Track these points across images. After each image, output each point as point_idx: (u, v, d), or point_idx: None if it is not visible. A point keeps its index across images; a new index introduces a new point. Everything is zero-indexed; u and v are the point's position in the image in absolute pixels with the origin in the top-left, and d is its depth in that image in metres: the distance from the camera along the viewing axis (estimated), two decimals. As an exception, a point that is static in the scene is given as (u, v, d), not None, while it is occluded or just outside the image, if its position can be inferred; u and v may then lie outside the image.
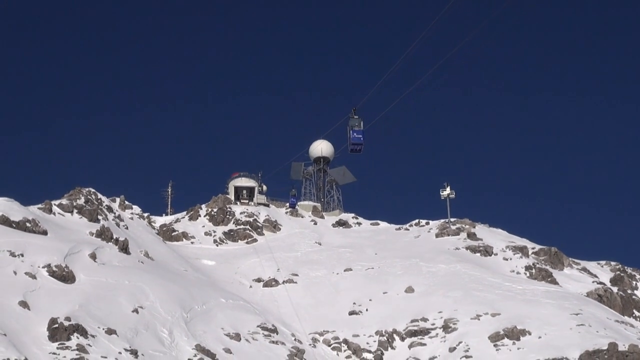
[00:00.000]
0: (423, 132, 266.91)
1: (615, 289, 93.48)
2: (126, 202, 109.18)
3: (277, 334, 73.83)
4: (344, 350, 75.91)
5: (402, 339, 76.52)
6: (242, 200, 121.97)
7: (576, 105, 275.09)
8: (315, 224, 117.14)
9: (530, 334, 72.51)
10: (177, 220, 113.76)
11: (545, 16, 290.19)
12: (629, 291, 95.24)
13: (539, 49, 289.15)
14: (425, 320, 77.92)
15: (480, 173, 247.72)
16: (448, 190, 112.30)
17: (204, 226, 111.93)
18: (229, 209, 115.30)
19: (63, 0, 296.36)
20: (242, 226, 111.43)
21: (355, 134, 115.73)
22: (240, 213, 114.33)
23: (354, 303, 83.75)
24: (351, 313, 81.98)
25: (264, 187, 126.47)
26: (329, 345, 76.39)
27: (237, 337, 70.68)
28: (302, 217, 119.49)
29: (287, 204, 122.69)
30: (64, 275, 71.03)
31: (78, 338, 59.92)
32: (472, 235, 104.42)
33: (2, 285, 65.68)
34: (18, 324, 60.14)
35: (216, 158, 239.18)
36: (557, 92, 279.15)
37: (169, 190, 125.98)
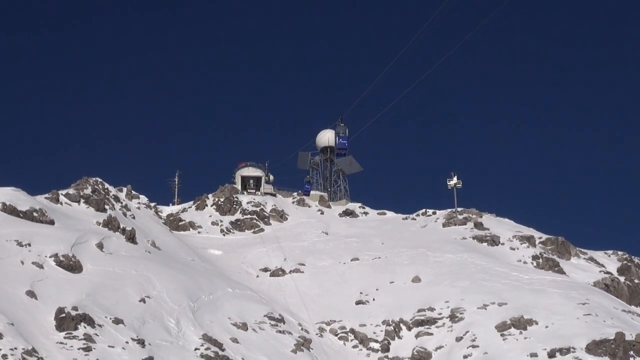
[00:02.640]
0: (430, 121, 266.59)
1: (622, 279, 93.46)
2: (133, 192, 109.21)
3: (284, 323, 73.90)
4: (351, 340, 75.95)
5: (409, 329, 76.56)
6: (249, 190, 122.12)
7: (582, 94, 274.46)
8: (322, 213, 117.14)
9: (537, 323, 72.50)
10: (184, 210, 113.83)
11: (546, 10, 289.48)
12: (636, 281, 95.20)
13: (542, 39, 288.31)
14: (432, 309, 77.94)
15: (487, 162, 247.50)
16: (455, 179, 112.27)
17: (210, 216, 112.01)
18: (235, 199, 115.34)
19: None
20: (249, 216, 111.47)
21: (340, 139, 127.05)
22: (247, 203, 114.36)
23: (361, 293, 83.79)
24: (358, 303, 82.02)
25: (271, 177, 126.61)
26: (336, 335, 76.45)
27: (244, 326, 70.75)
28: (309, 206, 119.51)
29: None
30: (71, 265, 71.14)
31: (85, 327, 60.01)
32: (479, 225, 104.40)
33: (9, 274, 65.80)
34: (25, 314, 60.24)
35: (223, 148, 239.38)
36: (563, 80, 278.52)
37: (176, 180, 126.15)
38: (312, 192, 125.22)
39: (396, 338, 75.82)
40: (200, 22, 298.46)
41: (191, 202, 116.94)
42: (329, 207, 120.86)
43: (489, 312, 75.53)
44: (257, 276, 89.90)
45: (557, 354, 67.16)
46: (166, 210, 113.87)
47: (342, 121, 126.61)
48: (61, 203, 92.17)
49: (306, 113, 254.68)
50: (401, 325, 77.05)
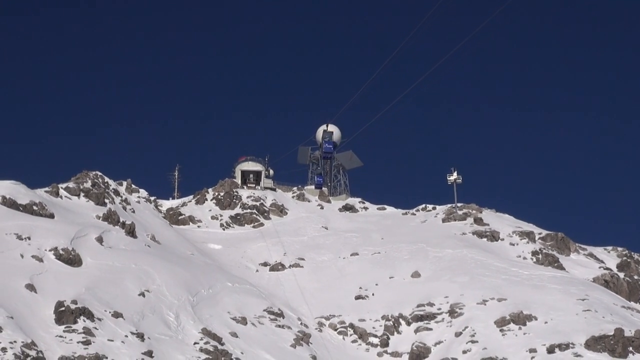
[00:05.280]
0: (431, 117, 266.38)
1: (621, 275, 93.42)
2: (133, 186, 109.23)
3: (283, 318, 73.93)
4: (350, 335, 75.99)
5: (408, 324, 76.58)
6: (249, 185, 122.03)
7: (581, 91, 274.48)
8: (322, 208, 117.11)
9: (536, 319, 72.53)
10: (183, 204, 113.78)
11: (547, 9, 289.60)
12: (636, 277, 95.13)
13: (542, 38, 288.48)
14: (431, 305, 77.95)
15: (487, 158, 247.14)
16: (455, 175, 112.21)
17: (210, 210, 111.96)
18: (235, 193, 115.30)
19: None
20: (248, 210, 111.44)
21: (326, 144, 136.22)
22: (247, 197, 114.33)
23: (360, 287, 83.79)
24: (357, 297, 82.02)
25: (271, 172, 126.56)
26: (335, 330, 76.47)
27: (243, 321, 70.78)
28: (309, 201, 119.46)
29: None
30: (71, 259, 71.18)
31: (84, 321, 60.06)
32: (478, 221, 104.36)
33: (9, 268, 65.85)
34: (25, 307, 60.30)
35: (223, 142, 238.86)
36: (562, 77, 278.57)
37: (176, 174, 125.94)
38: (312, 187, 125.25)
39: (395, 333, 75.86)
40: (201, 19, 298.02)
41: (191, 197, 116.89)
42: (328, 202, 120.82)
43: (489, 308, 75.54)
44: (257, 271, 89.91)
45: (556, 349, 67.22)
46: (166, 204, 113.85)
47: (328, 126, 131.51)
48: (61, 197, 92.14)
49: (307, 108, 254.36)
50: (400, 320, 77.08)
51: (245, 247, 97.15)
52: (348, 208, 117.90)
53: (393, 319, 77.05)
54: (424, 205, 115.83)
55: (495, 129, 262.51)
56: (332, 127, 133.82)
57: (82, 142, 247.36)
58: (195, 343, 63.63)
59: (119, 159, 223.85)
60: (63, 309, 60.49)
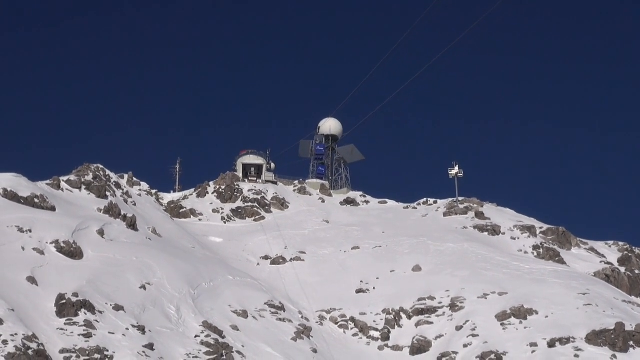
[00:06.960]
0: (432, 110, 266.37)
1: (622, 269, 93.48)
2: (134, 179, 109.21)
3: (284, 311, 73.96)
4: (351, 328, 76.02)
5: (409, 318, 76.62)
6: (250, 178, 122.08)
7: (580, 85, 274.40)
8: (323, 202, 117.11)
9: (537, 313, 72.54)
10: (185, 197, 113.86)
11: (547, 4, 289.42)
12: (637, 271, 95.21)
13: (543, 32, 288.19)
14: (432, 298, 77.99)
15: (489, 152, 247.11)
16: (456, 169, 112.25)
17: (211, 203, 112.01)
18: (237, 187, 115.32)
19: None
20: (250, 204, 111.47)
21: (318, 147, 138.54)
22: (248, 190, 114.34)
23: (361, 281, 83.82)
24: (358, 291, 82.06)
25: (272, 165, 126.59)
26: (336, 323, 76.50)
27: (244, 314, 70.81)
28: (310, 195, 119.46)
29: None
30: (72, 252, 71.21)
31: (86, 314, 60.10)
32: (480, 215, 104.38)
33: (10, 260, 65.89)
34: (26, 300, 60.34)
35: (225, 135, 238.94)
36: (562, 71, 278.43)
37: (177, 167, 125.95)
38: (313, 181, 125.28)
39: (396, 327, 75.89)
40: (202, 13, 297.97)
41: (192, 190, 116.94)
42: (330, 195, 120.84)
43: (489, 302, 75.57)
44: (258, 264, 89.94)
45: (557, 343, 67.24)
46: (167, 197, 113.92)
47: (319, 129, 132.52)
48: (62, 189, 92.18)
49: (308, 101, 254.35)
50: (401, 314, 77.12)
51: (246, 241, 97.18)
52: (349, 202, 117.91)
53: (394, 313, 77.08)
54: (425, 199, 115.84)
55: (497, 123, 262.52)
56: (333, 121, 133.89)
57: (83, 134, 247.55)
58: (196, 336, 63.65)
59: (121, 152, 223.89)
60: (64, 301, 60.53)
